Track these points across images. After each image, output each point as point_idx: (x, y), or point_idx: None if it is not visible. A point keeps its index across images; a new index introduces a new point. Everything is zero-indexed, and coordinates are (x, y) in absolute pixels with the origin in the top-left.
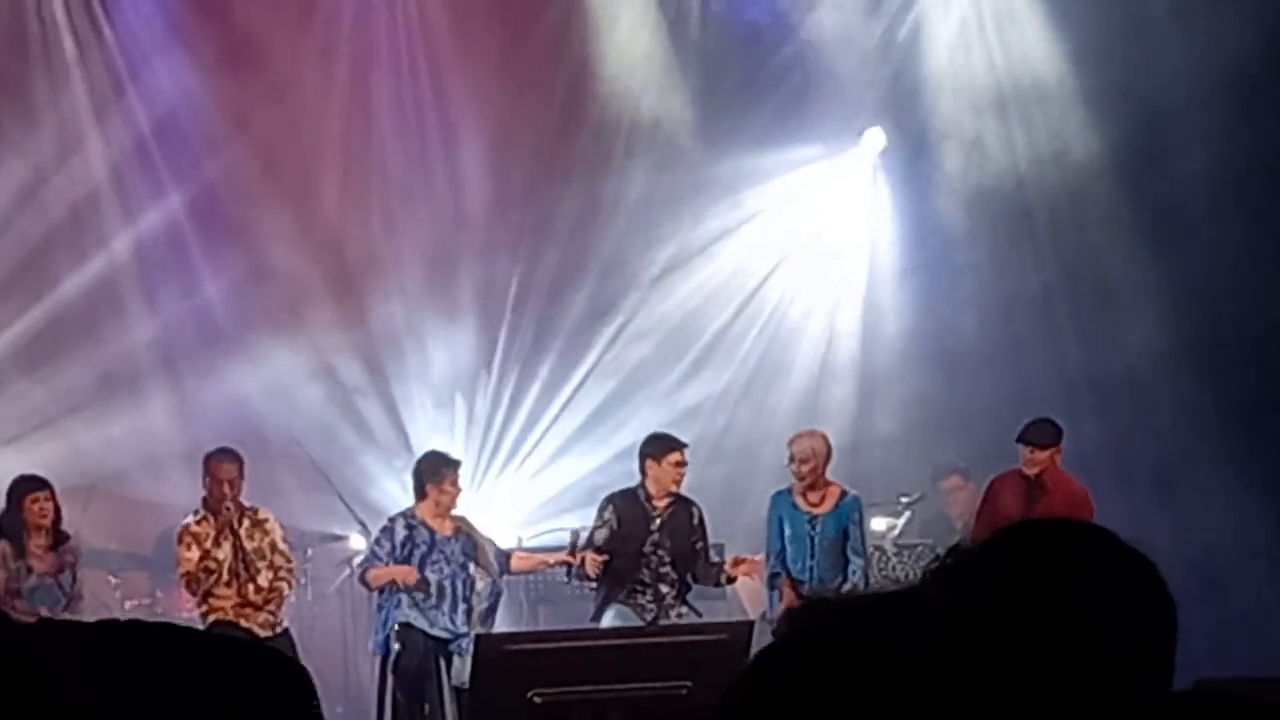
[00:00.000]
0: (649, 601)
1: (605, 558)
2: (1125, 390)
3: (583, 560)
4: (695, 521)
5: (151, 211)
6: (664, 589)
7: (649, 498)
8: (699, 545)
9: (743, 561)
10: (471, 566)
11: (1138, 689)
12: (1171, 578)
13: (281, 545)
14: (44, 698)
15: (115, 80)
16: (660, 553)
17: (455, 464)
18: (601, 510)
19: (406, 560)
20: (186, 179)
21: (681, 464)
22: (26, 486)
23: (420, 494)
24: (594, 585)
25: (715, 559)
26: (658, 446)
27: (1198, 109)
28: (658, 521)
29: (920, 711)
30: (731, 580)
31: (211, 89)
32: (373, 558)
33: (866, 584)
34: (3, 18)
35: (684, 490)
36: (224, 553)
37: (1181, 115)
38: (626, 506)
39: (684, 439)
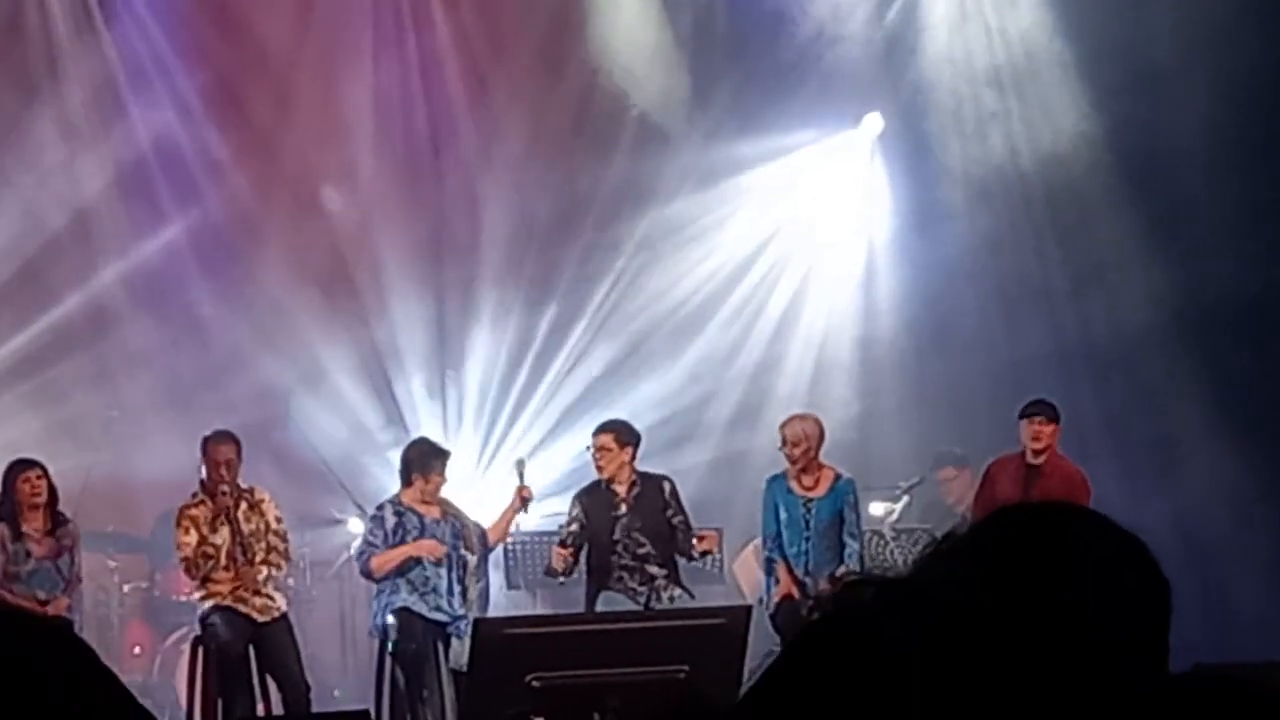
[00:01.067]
0: (639, 584)
1: (570, 551)
2: (1121, 365)
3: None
4: (667, 495)
5: (149, 202)
6: (651, 569)
7: (609, 485)
8: (675, 519)
9: (704, 538)
10: (461, 547)
11: (1131, 673)
12: (1168, 556)
13: (276, 526)
14: (52, 690)
15: (112, 85)
16: (635, 534)
17: (445, 455)
18: (571, 509)
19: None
20: (186, 170)
21: (594, 448)
22: (17, 468)
23: (406, 481)
24: (562, 582)
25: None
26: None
27: (1194, 83)
28: (623, 507)
29: (912, 701)
30: (706, 554)
31: (207, 86)
32: (369, 547)
33: (862, 567)
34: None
35: (674, 471)
36: (221, 537)
37: (1178, 90)
38: (590, 500)
39: (615, 422)
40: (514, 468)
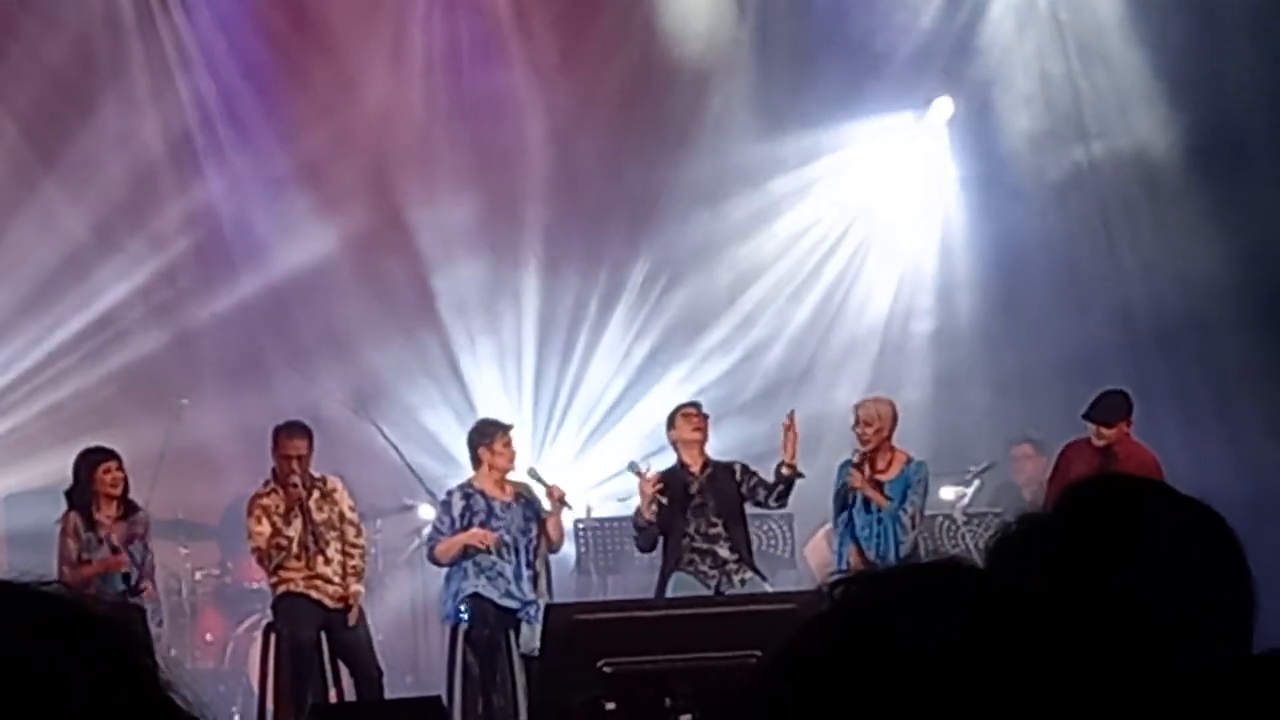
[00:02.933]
0: (710, 568)
1: (660, 485)
2: (1191, 340)
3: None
4: (738, 477)
5: (220, 184)
6: (722, 552)
7: (684, 466)
8: (754, 485)
9: (789, 428)
10: (534, 532)
11: (1185, 652)
12: (1243, 535)
13: (350, 515)
14: (135, 677)
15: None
16: (706, 513)
17: (505, 426)
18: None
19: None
20: (257, 151)
21: (691, 416)
22: (96, 457)
23: (475, 462)
24: (655, 518)
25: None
26: (672, 412)
27: (1261, 62)
28: (695, 485)
29: (950, 692)
30: (793, 475)
31: (282, 74)
32: (435, 534)
33: (913, 552)
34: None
35: (748, 455)
36: (294, 529)
37: (1245, 68)
38: (668, 479)
39: (697, 400)
40: (527, 475)
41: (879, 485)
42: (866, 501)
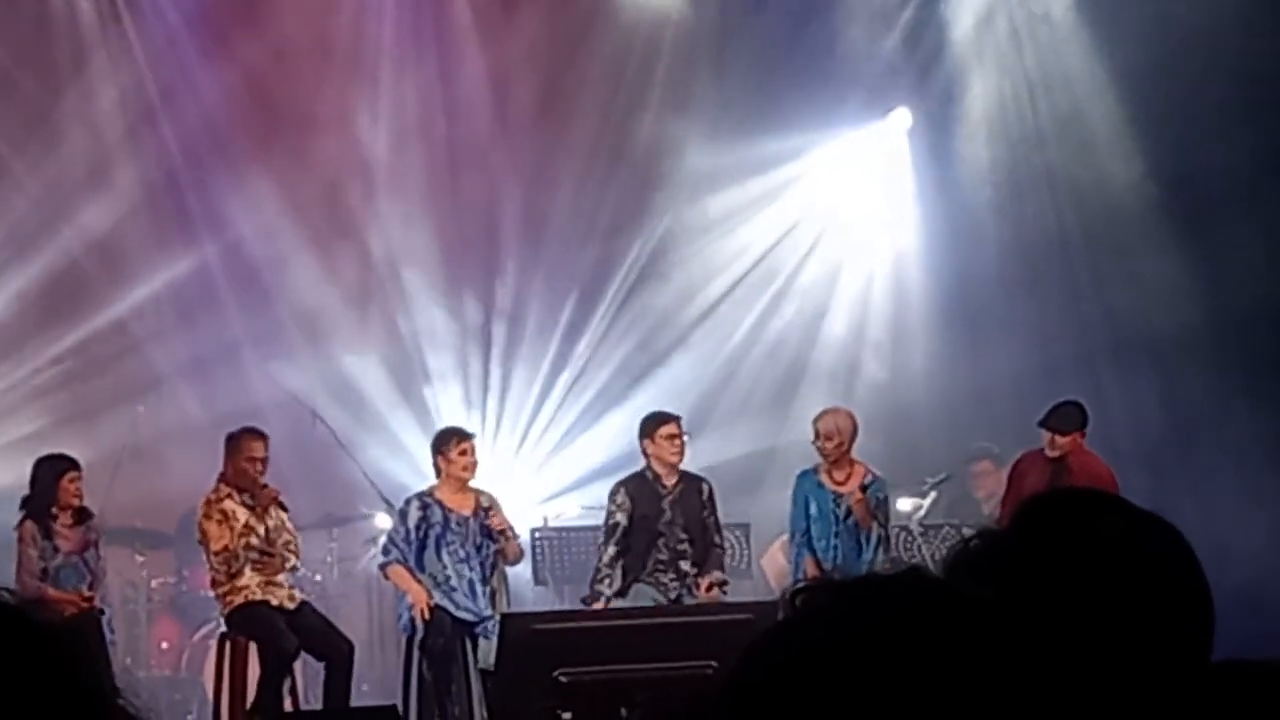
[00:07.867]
0: (672, 580)
1: (614, 568)
2: (1148, 363)
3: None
4: (705, 497)
5: (167, 192)
6: (685, 566)
7: (657, 477)
8: (709, 520)
9: (712, 587)
10: (491, 547)
11: (1160, 664)
12: (1197, 547)
13: (288, 524)
14: (82, 687)
15: (140, 85)
16: (675, 529)
17: (458, 433)
18: (613, 496)
19: (422, 543)
20: (205, 163)
21: (675, 436)
22: (63, 466)
23: (436, 470)
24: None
25: (720, 544)
26: (650, 424)
27: (1222, 79)
28: (667, 501)
29: (910, 701)
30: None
31: (228, 75)
32: (390, 545)
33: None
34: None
35: (702, 467)
36: (260, 533)
37: (1206, 86)
38: (638, 488)
39: (675, 412)
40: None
41: (839, 499)
42: (823, 513)
